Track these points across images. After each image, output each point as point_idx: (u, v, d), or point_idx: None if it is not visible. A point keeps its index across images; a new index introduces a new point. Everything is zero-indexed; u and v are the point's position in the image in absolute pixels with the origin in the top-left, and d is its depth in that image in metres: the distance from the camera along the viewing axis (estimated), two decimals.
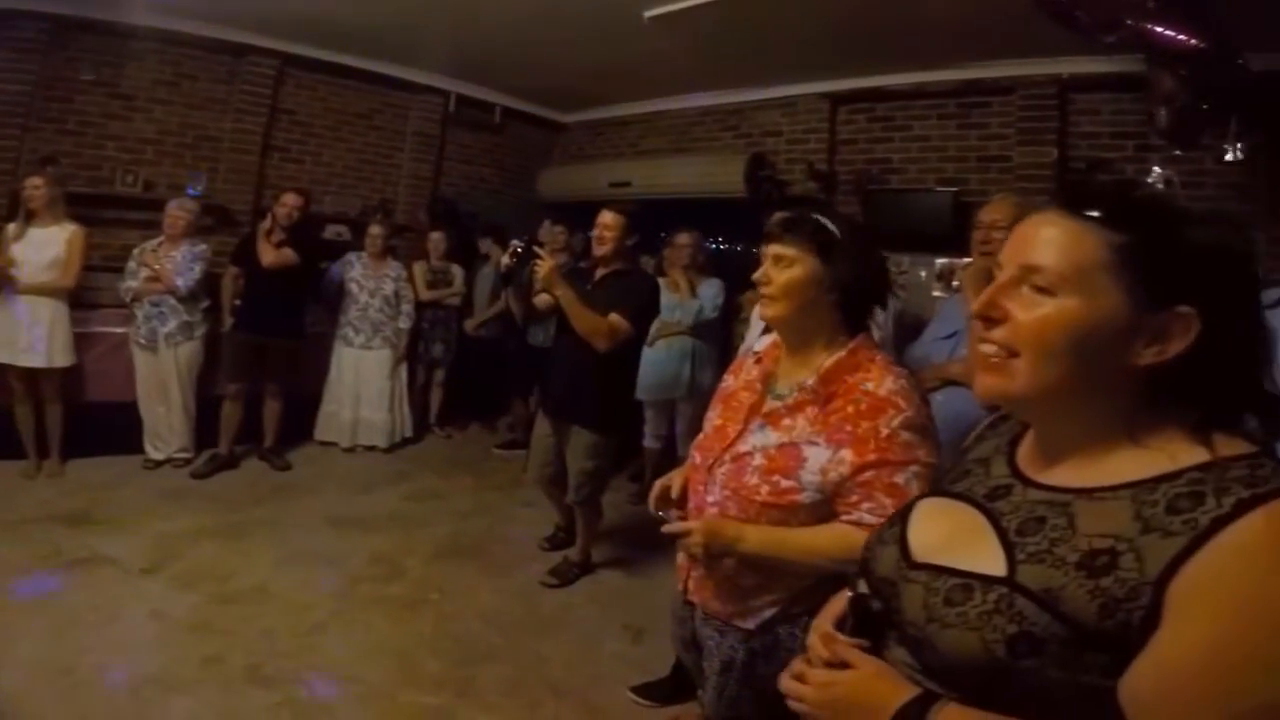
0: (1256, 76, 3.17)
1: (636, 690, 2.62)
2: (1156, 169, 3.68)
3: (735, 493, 1.47)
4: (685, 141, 6.23)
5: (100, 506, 3.74)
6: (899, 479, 1.33)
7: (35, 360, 3.92)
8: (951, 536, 0.87)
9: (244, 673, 2.52)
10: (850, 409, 1.38)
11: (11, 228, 3.91)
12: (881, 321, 3.23)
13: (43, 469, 4.09)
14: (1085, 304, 0.75)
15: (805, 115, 5.44)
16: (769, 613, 1.50)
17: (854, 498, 1.36)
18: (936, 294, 4.60)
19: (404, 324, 5.20)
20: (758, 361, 1.62)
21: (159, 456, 4.41)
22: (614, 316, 3.02)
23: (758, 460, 1.45)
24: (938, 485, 1.02)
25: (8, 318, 3.87)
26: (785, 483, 1.41)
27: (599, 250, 3.24)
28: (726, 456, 1.51)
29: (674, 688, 2.57)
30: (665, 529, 1.53)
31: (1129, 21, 2.93)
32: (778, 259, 1.48)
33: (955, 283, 4.32)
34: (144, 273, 4.28)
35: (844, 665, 0.87)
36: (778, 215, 1.52)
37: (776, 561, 1.44)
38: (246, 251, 4.48)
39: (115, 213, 4.89)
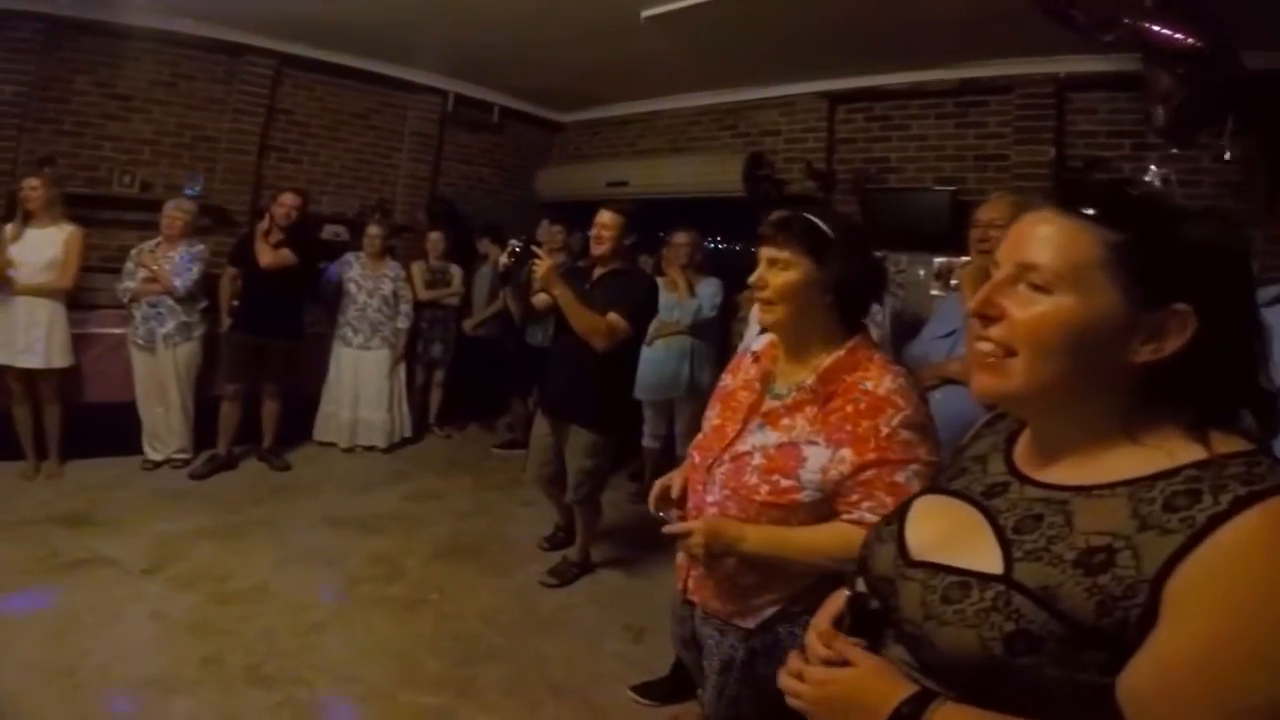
0: (1253, 75, 3.18)
1: (636, 689, 2.62)
2: (1153, 168, 3.69)
3: (735, 492, 1.47)
4: (683, 141, 6.23)
5: (99, 507, 3.74)
6: (900, 477, 1.33)
7: (33, 361, 3.91)
8: (949, 534, 0.87)
9: (243, 673, 2.52)
10: (849, 408, 1.38)
11: (9, 229, 3.90)
12: (879, 320, 3.25)
13: (41, 470, 4.09)
14: (1081, 302, 0.75)
15: (803, 114, 5.44)
16: (769, 612, 1.50)
17: (855, 497, 1.37)
18: (934, 292, 4.60)
19: (402, 324, 5.20)
20: (756, 361, 1.62)
21: (157, 457, 4.41)
22: (612, 316, 3.03)
23: (757, 460, 1.45)
24: (935, 483, 1.03)
25: (5, 319, 3.86)
26: (785, 482, 1.41)
27: (597, 250, 3.24)
28: (726, 456, 1.51)
29: (674, 687, 2.58)
30: (666, 529, 1.53)
31: (1126, 20, 2.93)
32: (772, 262, 1.48)
33: (953, 281, 4.33)
34: (142, 273, 4.28)
35: (843, 663, 0.87)
36: (770, 216, 1.51)
37: (777, 561, 1.44)
38: (244, 252, 4.48)
39: (113, 213, 4.89)
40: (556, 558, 3.58)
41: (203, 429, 4.51)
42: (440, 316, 5.54)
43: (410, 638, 2.87)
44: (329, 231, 5.76)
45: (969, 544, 0.83)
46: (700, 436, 1.66)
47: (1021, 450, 0.90)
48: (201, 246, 4.44)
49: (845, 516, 1.38)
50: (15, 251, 3.87)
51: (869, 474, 1.35)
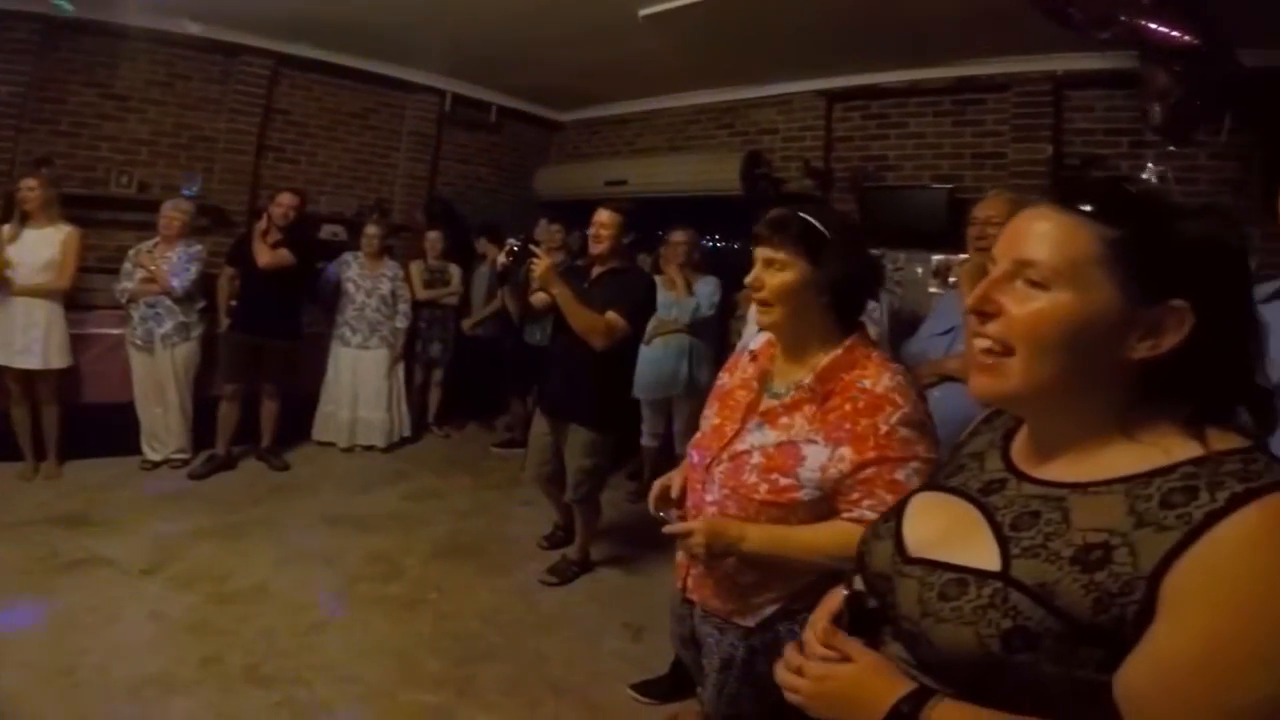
0: (1250, 72, 3.19)
1: (636, 688, 2.62)
2: (1151, 165, 3.69)
3: (734, 491, 1.47)
4: (681, 140, 6.23)
5: (98, 508, 3.74)
6: (899, 475, 1.33)
7: (31, 362, 3.91)
8: (946, 531, 0.87)
9: (243, 673, 2.52)
10: (848, 407, 1.38)
11: (6, 229, 3.89)
12: (877, 317, 3.25)
13: (40, 471, 4.09)
14: (1079, 298, 0.75)
15: (801, 113, 5.44)
16: (769, 610, 1.51)
17: (855, 495, 1.37)
18: (932, 290, 4.61)
19: (401, 323, 5.20)
20: (753, 359, 1.62)
21: (156, 457, 4.41)
22: (611, 314, 3.03)
23: (756, 459, 1.45)
24: (933, 480, 1.03)
25: (3, 319, 3.86)
26: (784, 481, 1.41)
27: (595, 249, 3.24)
28: (724, 455, 1.51)
29: (673, 685, 2.58)
30: (666, 530, 1.53)
31: (1123, 18, 2.94)
32: (768, 262, 1.48)
33: (951, 279, 4.33)
34: (139, 274, 4.28)
35: (843, 658, 0.88)
36: (766, 217, 1.51)
37: (777, 560, 1.44)
38: (242, 252, 4.48)
39: (110, 214, 4.89)
40: (556, 556, 3.58)
41: (201, 429, 4.51)
42: (439, 316, 5.54)
43: (410, 637, 2.88)
44: (327, 231, 5.76)
45: (966, 541, 0.83)
46: (699, 435, 1.65)
47: (1019, 447, 0.90)
48: (199, 247, 4.44)
49: (845, 515, 1.38)
50: (13, 252, 3.86)
51: (869, 472, 1.35)
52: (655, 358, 4.23)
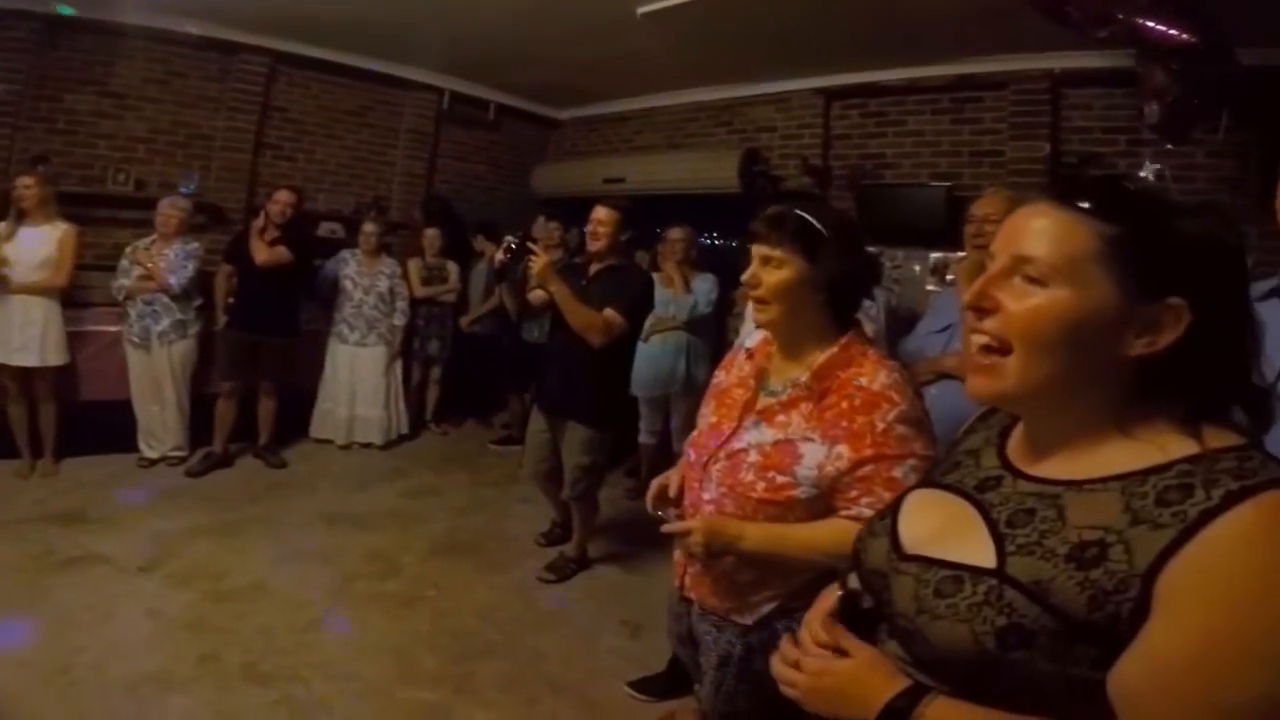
0: (1247, 71, 3.19)
1: (633, 685, 2.63)
2: (1148, 163, 3.70)
3: (731, 489, 1.47)
4: (679, 137, 6.24)
5: (95, 505, 3.73)
6: (897, 473, 1.33)
7: (28, 359, 3.90)
8: (942, 528, 0.87)
9: (241, 670, 2.52)
10: (845, 404, 1.38)
11: (3, 227, 3.88)
12: (874, 314, 3.26)
13: (37, 468, 4.08)
14: (1077, 295, 0.75)
15: (799, 111, 5.45)
16: (767, 608, 1.51)
17: (853, 493, 1.37)
18: (930, 288, 4.61)
19: (399, 321, 5.20)
20: (749, 357, 1.62)
21: (153, 455, 4.41)
22: (608, 311, 3.03)
23: (753, 457, 1.45)
24: (929, 476, 1.03)
25: (1, 317, 3.85)
26: (781, 479, 1.41)
27: (593, 246, 3.24)
28: (721, 453, 1.51)
29: (671, 683, 2.58)
30: (665, 529, 1.52)
31: (1121, 16, 2.94)
32: (765, 260, 1.48)
33: (949, 276, 4.34)
34: (137, 271, 4.27)
35: (841, 653, 0.88)
36: (763, 213, 1.51)
37: (776, 558, 1.44)
38: (239, 249, 4.47)
39: (107, 211, 4.89)
40: (553, 554, 3.58)
41: (198, 427, 4.51)
42: (437, 313, 5.53)
43: (407, 634, 2.88)
44: (325, 229, 5.75)
45: (962, 538, 0.83)
46: (695, 434, 1.65)
47: (1015, 444, 0.90)
48: (196, 244, 4.44)
49: (844, 513, 1.38)
50: (9, 250, 3.85)
51: (866, 470, 1.35)
52: (653, 355, 4.23)
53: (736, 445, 1.49)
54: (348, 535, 3.71)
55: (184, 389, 4.45)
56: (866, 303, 1.60)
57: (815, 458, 1.38)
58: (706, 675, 1.62)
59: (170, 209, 4.36)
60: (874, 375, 1.40)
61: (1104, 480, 0.75)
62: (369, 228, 5.15)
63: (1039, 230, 0.79)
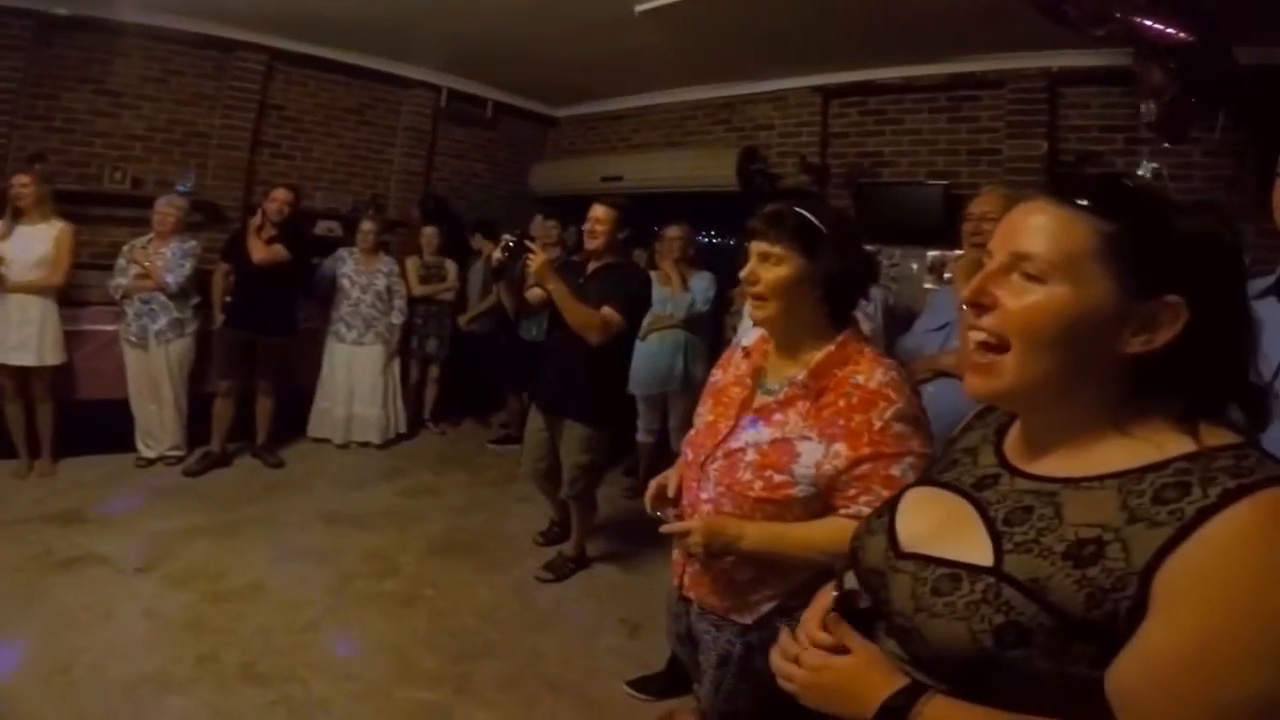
0: (1245, 70, 3.19)
1: (633, 684, 2.63)
2: (1145, 162, 3.70)
3: (729, 489, 1.47)
4: (677, 135, 6.23)
5: (92, 505, 3.73)
6: (895, 471, 1.33)
7: (25, 359, 3.89)
8: (939, 526, 0.87)
9: (239, 671, 2.51)
10: (842, 403, 1.38)
11: None
12: (871, 313, 3.26)
13: (34, 468, 4.08)
14: (1075, 292, 0.75)
15: (796, 109, 5.45)
16: (766, 607, 1.51)
17: (851, 491, 1.37)
18: (928, 286, 4.62)
19: (396, 319, 5.19)
20: (746, 356, 1.61)
21: (151, 454, 4.40)
22: (606, 310, 3.02)
23: (750, 456, 1.45)
24: (926, 474, 1.03)
25: None
26: (779, 477, 1.41)
27: (591, 244, 3.24)
28: (719, 453, 1.51)
29: (670, 682, 2.58)
30: (664, 529, 1.52)
31: (1118, 15, 2.94)
32: (764, 256, 1.48)
33: (946, 275, 4.34)
34: (133, 270, 4.26)
35: (842, 649, 0.88)
36: (763, 209, 1.51)
37: (775, 557, 1.44)
38: (237, 248, 4.46)
39: (104, 210, 4.88)
40: (552, 553, 3.58)
41: (196, 426, 4.50)
42: (435, 312, 5.53)
43: (406, 634, 2.87)
44: (322, 227, 5.74)
45: (959, 536, 0.83)
46: (693, 433, 1.65)
47: (1012, 442, 0.90)
48: (194, 242, 4.43)
49: (842, 511, 1.38)
50: (6, 249, 3.84)
51: (864, 468, 1.35)
52: (651, 353, 4.23)
53: (734, 444, 1.49)
54: (346, 535, 3.71)
55: (181, 388, 4.44)
56: (863, 301, 1.60)
57: (813, 456, 1.38)
58: (706, 674, 1.62)
59: (167, 207, 4.35)
60: (871, 373, 1.40)
61: (1101, 478, 0.75)
62: (366, 226, 5.14)
63: (1038, 227, 0.79)
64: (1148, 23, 2.92)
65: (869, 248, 3.27)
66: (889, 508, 0.97)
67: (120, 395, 4.36)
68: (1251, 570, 0.64)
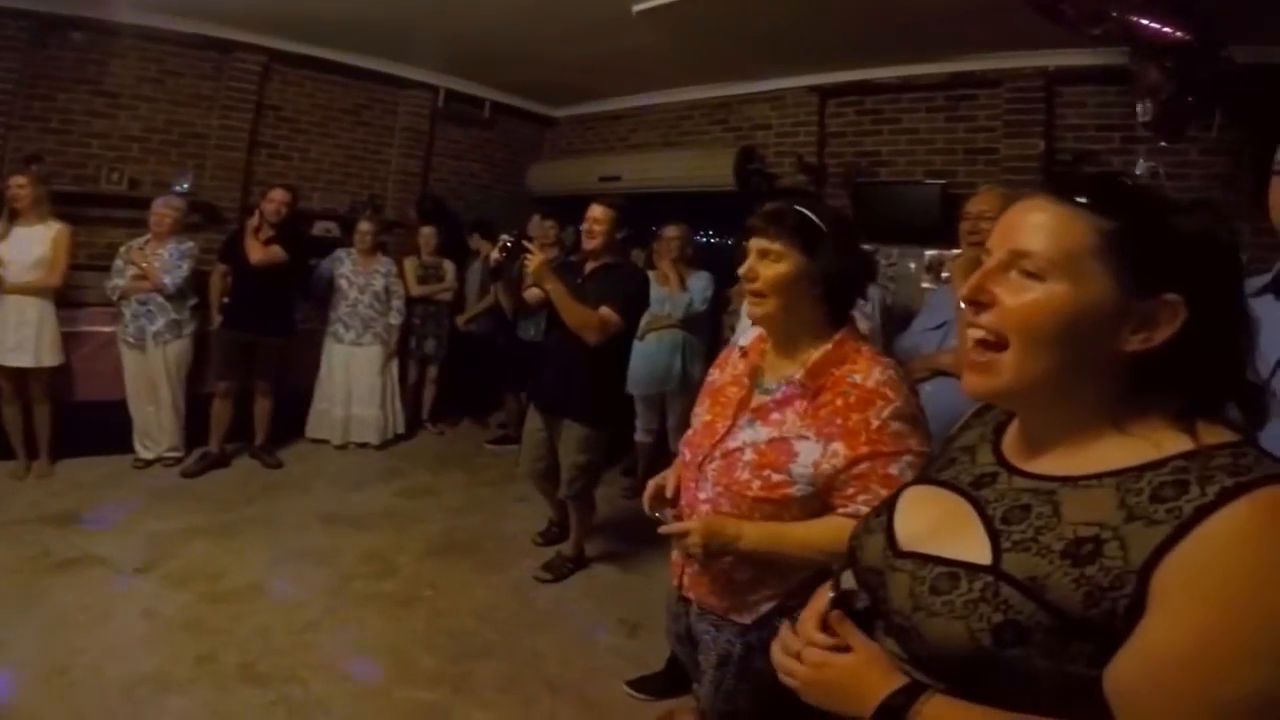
0: (1241, 69, 3.20)
1: (632, 684, 2.63)
2: (1142, 161, 3.71)
3: (727, 489, 1.47)
4: (675, 135, 6.24)
5: (90, 506, 3.72)
6: (893, 470, 1.33)
7: (23, 360, 3.89)
8: (938, 525, 0.87)
9: (238, 671, 2.51)
10: (839, 402, 1.38)
11: None
12: (869, 312, 3.26)
13: (32, 469, 4.07)
14: (1074, 289, 0.75)
15: (794, 108, 5.45)
16: (765, 607, 1.51)
17: (850, 490, 1.37)
18: (925, 285, 4.62)
19: (394, 320, 5.19)
20: (744, 355, 1.61)
21: (149, 456, 4.39)
22: (604, 309, 3.03)
23: (748, 455, 1.45)
24: (924, 473, 1.03)
25: None
26: (776, 477, 1.41)
27: (589, 244, 3.24)
28: (717, 453, 1.51)
29: (669, 682, 2.58)
30: (662, 529, 1.52)
31: (1115, 14, 2.95)
32: (763, 253, 1.47)
33: (944, 274, 4.35)
34: (131, 271, 4.26)
35: (844, 647, 0.88)
36: (763, 207, 1.51)
37: (774, 557, 1.44)
38: (234, 249, 4.45)
39: (101, 211, 4.87)
40: (550, 553, 3.58)
41: (194, 427, 4.49)
42: (433, 312, 5.52)
43: (404, 634, 2.87)
44: (320, 228, 5.74)
45: (957, 534, 0.83)
46: (690, 433, 1.65)
47: (1010, 441, 0.90)
48: (191, 243, 4.43)
49: (841, 510, 1.38)
50: (3, 250, 3.84)
51: (862, 467, 1.35)
52: (648, 353, 4.23)
53: (731, 444, 1.49)
54: (344, 535, 3.70)
55: (179, 389, 4.44)
56: (861, 301, 1.60)
57: (811, 456, 1.38)
58: (706, 674, 1.62)
59: (164, 208, 4.35)
60: (868, 372, 1.40)
61: (1099, 476, 0.75)
62: (364, 226, 5.14)
63: (1037, 225, 0.79)
64: (1144, 21, 2.93)
65: (866, 247, 3.27)
66: (887, 507, 0.97)
67: (118, 396, 4.35)
68: (1250, 568, 0.63)
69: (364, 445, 5.12)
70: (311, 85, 5.79)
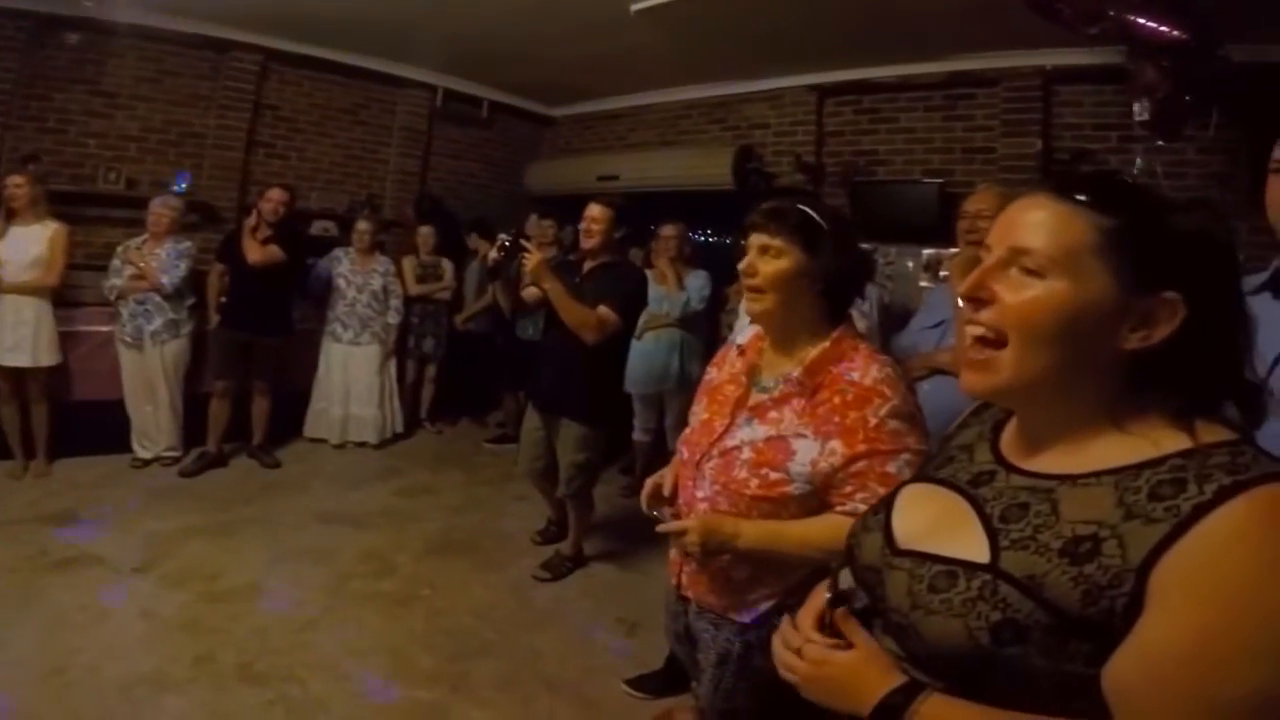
0: (1238, 68, 3.21)
1: (630, 683, 2.63)
2: (1139, 160, 3.71)
3: (725, 487, 1.47)
4: (673, 134, 6.24)
5: (88, 506, 3.72)
6: (891, 468, 1.33)
7: (20, 359, 3.88)
8: (936, 523, 0.87)
9: (236, 671, 2.51)
10: (837, 400, 1.38)
11: None
12: (867, 310, 3.27)
13: (29, 469, 4.07)
14: (1074, 287, 0.75)
15: (792, 108, 5.45)
16: (764, 605, 1.51)
17: (848, 489, 1.37)
18: (923, 284, 4.62)
19: (393, 319, 5.18)
20: (741, 354, 1.61)
21: (147, 455, 4.39)
22: (602, 309, 3.03)
23: (746, 454, 1.45)
24: (922, 471, 1.03)
25: None
26: (774, 475, 1.41)
27: (587, 243, 3.24)
28: (714, 451, 1.51)
29: (668, 680, 2.58)
30: (660, 528, 1.52)
31: (1112, 13, 2.95)
32: (764, 249, 1.47)
33: (942, 273, 4.35)
34: (128, 270, 4.25)
35: (847, 644, 0.88)
36: (763, 204, 1.51)
37: (773, 555, 1.44)
38: (232, 248, 4.44)
39: (98, 210, 4.86)
40: (549, 552, 3.58)
41: (192, 426, 4.49)
42: (432, 311, 5.52)
43: (402, 634, 2.87)
44: (318, 227, 5.74)
45: (956, 533, 0.83)
46: (688, 432, 1.65)
47: (1008, 439, 0.90)
48: (188, 243, 4.42)
49: (839, 508, 1.38)
50: (0, 250, 3.83)
51: (860, 465, 1.35)
52: (646, 352, 4.23)
53: (729, 442, 1.49)
54: (342, 535, 3.70)
55: (177, 389, 4.43)
56: (859, 300, 1.60)
57: (808, 454, 1.38)
58: (705, 673, 1.62)
59: (162, 208, 4.35)
60: (866, 370, 1.40)
61: (1097, 474, 0.75)
62: (362, 226, 5.13)
63: (1037, 222, 0.79)
64: (1141, 21, 2.93)
65: (864, 246, 3.28)
66: (885, 505, 0.97)
67: (116, 396, 4.34)
68: (1248, 566, 0.63)
69: (362, 444, 5.11)
70: (309, 85, 5.78)
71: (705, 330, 4.50)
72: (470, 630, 2.94)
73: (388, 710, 2.43)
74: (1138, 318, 0.74)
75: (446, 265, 5.58)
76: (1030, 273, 0.78)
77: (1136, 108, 3.30)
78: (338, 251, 5.14)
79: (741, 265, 1.50)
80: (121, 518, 3.63)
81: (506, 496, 4.43)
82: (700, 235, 5.69)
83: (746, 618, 1.52)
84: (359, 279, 5.04)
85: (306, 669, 2.56)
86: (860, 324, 1.59)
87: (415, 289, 5.39)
